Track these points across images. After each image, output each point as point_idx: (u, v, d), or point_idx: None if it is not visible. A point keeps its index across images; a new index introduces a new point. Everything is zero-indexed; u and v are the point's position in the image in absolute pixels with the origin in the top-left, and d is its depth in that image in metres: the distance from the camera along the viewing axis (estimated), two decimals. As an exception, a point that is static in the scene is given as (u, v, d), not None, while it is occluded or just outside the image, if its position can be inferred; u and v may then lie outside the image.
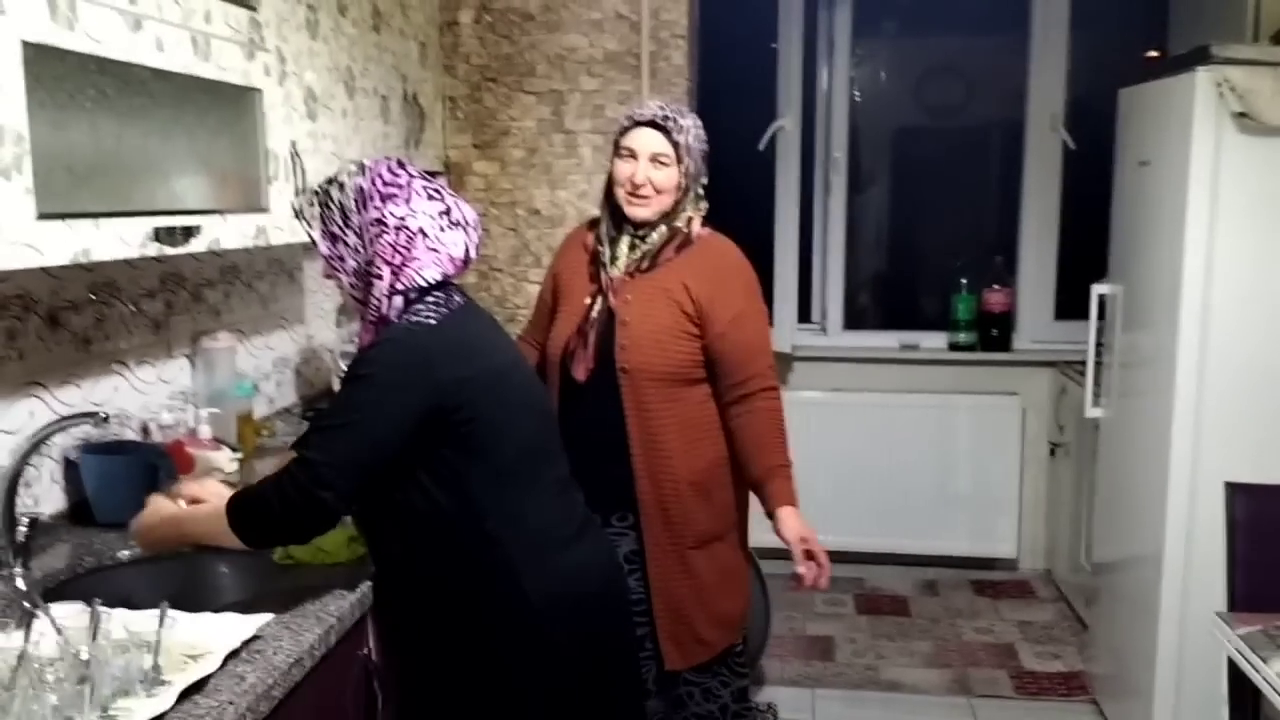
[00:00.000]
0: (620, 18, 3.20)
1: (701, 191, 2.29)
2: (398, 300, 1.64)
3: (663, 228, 2.23)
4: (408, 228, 1.65)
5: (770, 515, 2.22)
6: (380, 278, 1.65)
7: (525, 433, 1.73)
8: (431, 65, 3.15)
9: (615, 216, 2.26)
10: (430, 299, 1.66)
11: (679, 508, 2.22)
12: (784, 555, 2.21)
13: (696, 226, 2.27)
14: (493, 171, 3.34)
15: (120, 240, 1.61)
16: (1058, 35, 4.28)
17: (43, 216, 1.43)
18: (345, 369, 1.72)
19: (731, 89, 4.30)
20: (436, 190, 1.71)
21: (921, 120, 4.78)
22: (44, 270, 1.90)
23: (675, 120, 2.21)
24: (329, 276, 1.75)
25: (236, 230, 1.93)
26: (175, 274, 2.33)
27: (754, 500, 2.31)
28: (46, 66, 1.44)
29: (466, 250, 1.71)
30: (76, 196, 1.53)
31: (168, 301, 2.31)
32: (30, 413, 1.91)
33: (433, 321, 1.64)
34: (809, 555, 2.18)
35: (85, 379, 2.05)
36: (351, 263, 1.70)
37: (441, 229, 1.67)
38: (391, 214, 1.65)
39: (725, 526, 2.29)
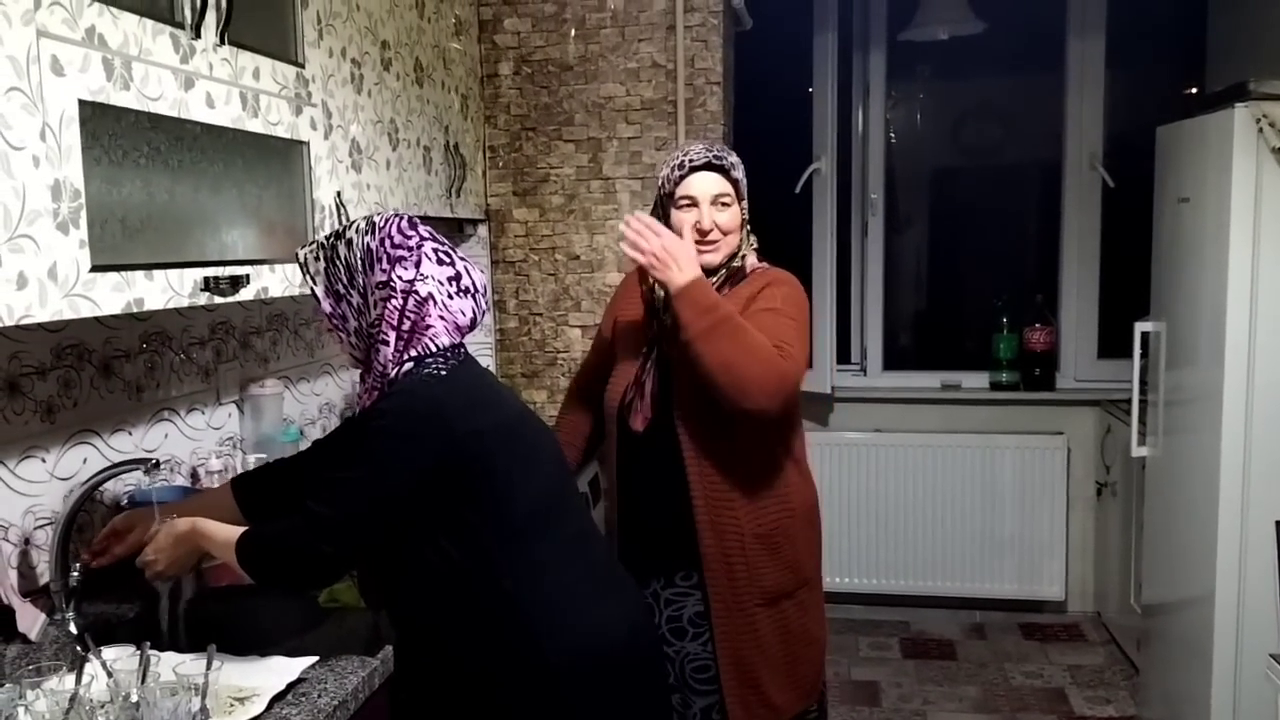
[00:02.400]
0: (656, 66, 3.25)
1: (749, 227, 2.23)
2: (408, 365, 1.60)
3: (722, 271, 2.16)
4: (416, 293, 1.60)
5: None
6: (386, 343, 1.61)
7: (540, 486, 1.67)
8: (473, 116, 3.22)
9: None
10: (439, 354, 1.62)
11: (744, 562, 2.11)
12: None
13: (751, 260, 2.21)
14: (532, 218, 3.39)
15: (171, 290, 1.65)
16: (1094, 74, 4.28)
17: (97, 268, 1.47)
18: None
19: (767, 133, 4.32)
20: (447, 254, 1.65)
21: (959, 161, 4.77)
22: (98, 320, 1.95)
23: (727, 158, 2.15)
24: (330, 331, 1.72)
25: (283, 279, 1.97)
26: (224, 322, 2.38)
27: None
28: (102, 124, 1.49)
29: (474, 318, 1.66)
30: (130, 248, 1.57)
31: (217, 349, 2.35)
32: (84, 459, 1.95)
33: (444, 372, 1.60)
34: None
35: (137, 426, 2.10)
36: (354, 323, 1.66)
37: (450, 296, 1.62)
38: (399, 278, 1.60)
39: (795, 583, 2.16)
